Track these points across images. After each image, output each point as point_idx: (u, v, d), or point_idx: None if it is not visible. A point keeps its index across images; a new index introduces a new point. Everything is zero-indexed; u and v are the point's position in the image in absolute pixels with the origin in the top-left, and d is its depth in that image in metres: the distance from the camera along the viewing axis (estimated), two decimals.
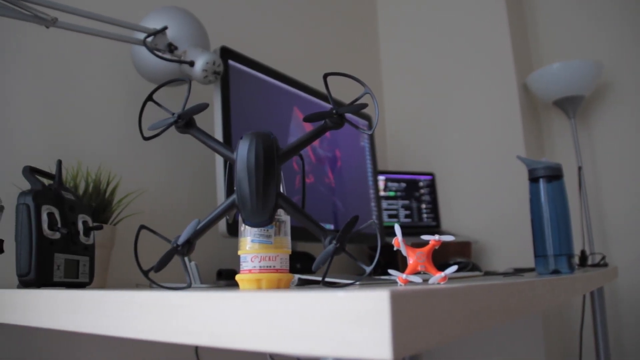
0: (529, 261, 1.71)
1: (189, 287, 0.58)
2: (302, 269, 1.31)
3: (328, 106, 1.47)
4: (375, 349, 0.31)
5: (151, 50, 1.01)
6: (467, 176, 2.05)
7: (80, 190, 0.99)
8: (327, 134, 1.37)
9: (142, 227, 0.58)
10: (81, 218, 0.84)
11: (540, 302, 0.64)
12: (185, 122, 0.62)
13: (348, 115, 0.53)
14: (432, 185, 1.98)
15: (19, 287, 0.76)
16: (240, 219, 0.60)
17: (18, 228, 0.76)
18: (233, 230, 1.05)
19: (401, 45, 2.36)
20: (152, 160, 1.26)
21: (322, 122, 0.60)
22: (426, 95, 2.24)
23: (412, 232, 1.84)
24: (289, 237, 0.63)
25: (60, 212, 0.80)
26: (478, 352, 1.73)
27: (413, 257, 0.59)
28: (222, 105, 1.10)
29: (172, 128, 0.63)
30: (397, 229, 0.59)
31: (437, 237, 0.59)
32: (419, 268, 0.59)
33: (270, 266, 0.59)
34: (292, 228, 0.64)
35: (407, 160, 2.23)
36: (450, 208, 2.07)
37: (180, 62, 1.04)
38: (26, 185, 0.80)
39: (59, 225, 0.78)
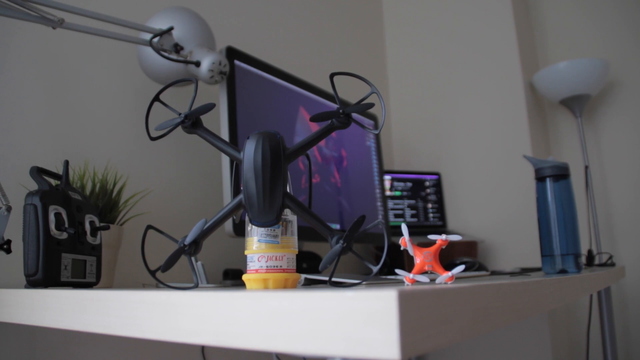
0: (535, 261, 1.71)
1: (196, 287, 0.58)
2: (309, 269, 1.31)
3: (334, 106, 1.47)
4: (383, 348, 0.31)
5: (157, 50, 1.01)
6: (473, 176, 2.04)
7: (87, 191, 0.99)
8: (333, 133, 1.37)
9: (149, 227, 0.58)
10: (88, 218, 0.85)
11: (547, 302, 0.64)
12: (192, 122, 0.62)
13: (354, 115, 0.53)
14: (438, 185, 1.97)
15: (26, 287, 0.76)
16: (247, 218, 0.60)
17: (25, 228, 0.76)
18: (239, 230, 1.05)
19: (407, 44, 2.36)
20: (159, 161, 1.26)
21: (329, 121, 0.60)
22: (432, 95, 2.23)
23: (418, 231, 1.84)
24: (295, 237, 0.63)
25: (68, 213, 0.80)
26: (484, 351, 1.73)
27: (420, 257, 0.59)
28: (228, 105, 1.10)
29: (179, 128, 0.63)
30: (404, 228, 0.59)
31: (444, 236, 0.59)
32: (426, 268, 0.59)
33: (277, 266, 0.59)
34: (298, 228, 0.64)
35: (413, 160, 2.23)
36: (457, 207, 2.06)
37: (187, 62, 1.04)
38: (33, 186, 0.80)
39: (66, 225, 0.79)
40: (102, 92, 1.18)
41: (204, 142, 1.28)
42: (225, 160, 1.09)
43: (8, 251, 0.81)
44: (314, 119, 0.57)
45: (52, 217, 0.77)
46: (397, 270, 0.60)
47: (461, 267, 0.57)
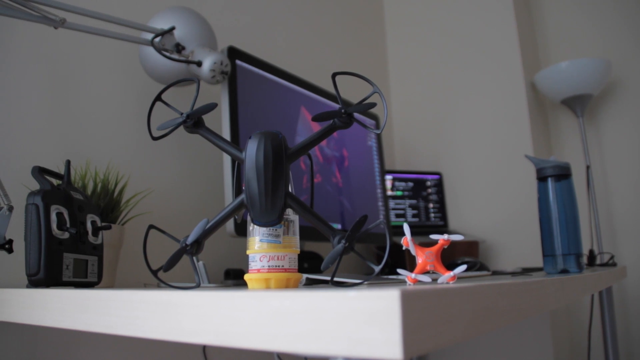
0: (536, 261, 1.71)
1: (197, 286, 0.58)
2: (310, 269, 1.31)
3: (335, 106, 1.47)
4: (385, 348, 0.31)
5: (159, 50, 1.01)
6: (474, 175, 2.04)
7: (89, 190, 0.99)
8: (335, 133, 1.37)
9: (151, 226, 0.58)
10: (90, 218, 0.85)
11: (549, 302, 0.64)
12: (194, 122, 0.62)
13: (356, 115, 0.52)
14: (439, 185, 1.97)
15: (28, 286, 0.76)
16: (248, 218, 0.60)
17: (27, 228, 0.76)
18: (241, 230, 1.05)
19: (408, 44, 2.35)
20: (161, 160, 1.26)
21: (331, 121, 0.60)
22: (433, 95, 2.23)
23: (419, 231, 1.84)
24: (297, 237, 0.63)
25: (69, 212, 0.80)
26: (486, 351, 1.73)
27: (422, 257, 0.59)
28: (230, 105, 1.10)
29: (181, 128, 0.63)
30: (406, 228, 0.59)
31: (446, 236, 0.59)
32: (428, 267, 0.59)
33: (278, 265, 0.59)
34: (300, 227, 0.64)
35: (415, 160, 2.23)
36: (458, 207, 2.06)
37: (188, 62, 1.04)
38: (35, 186, 0.80)
39: (68, 225, 0.79)
40: (104, 92, 1.18)
41: (205, 142, 1.28)
42: (227, 160, 1.09)
43: (10, 251, 0.81)
44: (316, 118, 0.57)
45: (53, 217, 0.77)
46: (399, 270, 0.60)
47: (463, 267, 0.57)
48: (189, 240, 0.57)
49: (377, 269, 0.54)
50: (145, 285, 1.06)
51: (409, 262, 1.58)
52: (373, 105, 0.58)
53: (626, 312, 1.91)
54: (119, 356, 1.07)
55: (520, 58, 1.98)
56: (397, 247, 1.63)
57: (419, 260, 0.59)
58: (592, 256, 1.45)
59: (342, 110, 0.58)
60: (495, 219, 1.96)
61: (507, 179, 1.95)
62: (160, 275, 1.05)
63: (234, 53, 1.15)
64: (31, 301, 0.65)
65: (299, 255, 0.63)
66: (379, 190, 1.57)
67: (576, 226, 0.98)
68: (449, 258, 1.32)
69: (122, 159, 1.17)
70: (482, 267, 1.16)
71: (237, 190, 0.69)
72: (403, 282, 0.69)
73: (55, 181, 0.85)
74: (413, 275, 0.58)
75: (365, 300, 0.33)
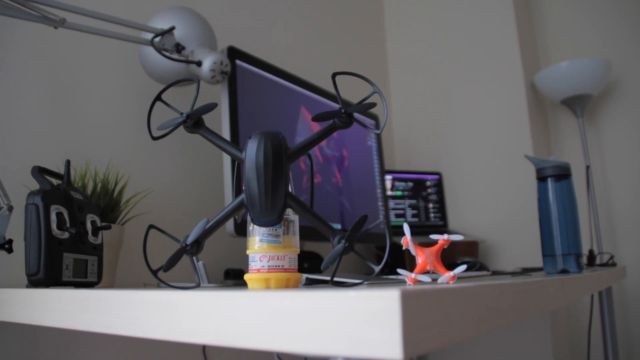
0: (536, 261, 1.71)
1: (197, 286, 0.58)
2: (310, 269, 1.31)
3: (335, 106, 1.47)
4: (385, 348, 0.31)
5: (159, 50, 1.01)
6: (474, 175, 2.04)
7: (89, 190, 0.99)
8: (335, 133, 1.37)
9: (151, 226, 0.58)
10: (89, 218, 0.85)
11: (549, 302, 0.64)
12: (194, 122, 0.62)
13: (356, 115, 0.52)
14: (439, 185, 1.97)
15: (28, 286, 0.76)
16: (248, 218, 0.60)
17: (27, 228, 0.76)
18: (240, 230, 1.05)
19: (408, 44, 2.35)
20: (161, 160, 1.26)
21: (331, 121, 0.60)
22: (433, 95, 2.23)
23: (419, 231, 1.84)
24: (297, 237, 0.63)
25: (69, 212, 0.80)
26: (485, 351, 1.73)
27: (422, 257, 0.59)
28: (230, 105, 1.10)
29: (181, 128, 0.63)
30: (406, 228, 0.59)
31: (446, 236, 0.59)
32: (428, 267, 0.59)
33: (278, 265, 0.59)
34: (299, 227, 0.64)
35: (415, 160, 2.23)
36: (458, 207, 2.06)
37: (188, 62, 1.04)
38: (35, 185, 0.80)
39: (68, 225, 0.79)
40: (104, 92, 1.18)
41: (205, 142, 1.28)
42: (227, 160, 1.09)
43: (10, 251, 0.81)
44: (316, 118, 0.57)
45: (53, 217, 0.77)
46: (399, 270, 0.60)
47: (463, 267, 0.56)
48: (189, 240, 0.57)
49: (377, 269, 0.54)
50: (145, 285, 1.06)
51: (409, 262, 1.58)
52: (373, 105, 0.58)
53: (626, 312, 1.91)
54: (119, 356, 1.07)
55: (520, 58, 1.98)
56: (397, 247, 1.63)
57: (419, 260, 0.59)
58: (591, 256, 1.45)
59: (342, 110, 0.58)
60: (495, 219, 1.96)
61: (507, 179, 1.95)
62: (160, 275, 1.05)
63: (234, 53, 1.15)
64: (31, 301, 0.65)
65: (299, 255, 0.63)
66: (378, 190, 1.57)
67: (576, 226, 0.98)
68: (449, 258, 1.32)
69: (122, 159, 1.17)
70: (482, 267, 1.16)
71: (237, 190, 0.69)
72: (403, 282, 0.69)
73: (55, 181, 0.85)
74: (413, 275, 0.58)
75: (365, 300, 0.33)
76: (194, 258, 0.58)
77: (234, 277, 1.15)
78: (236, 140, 1.09)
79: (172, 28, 1.03)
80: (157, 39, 1.02)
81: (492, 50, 2.06)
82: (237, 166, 0.69)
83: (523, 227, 1.85)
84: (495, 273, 1.16)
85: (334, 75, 0.59)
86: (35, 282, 0.75)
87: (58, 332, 0.97)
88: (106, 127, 1.17)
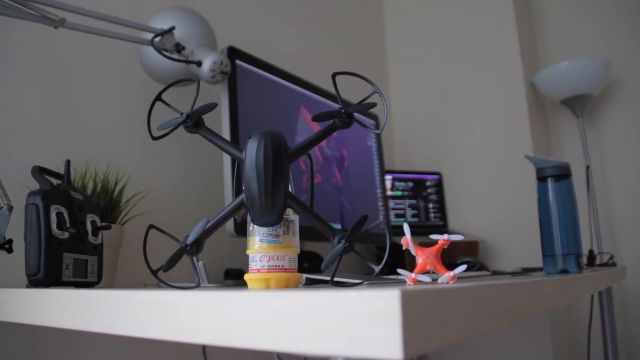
0: (536, 261, 1.70)
1: (197, 286, 0.58)
2: (310, 269, 1.31)
3: (335, 106, 1.47)
4: (385, 348, 0.31)
5: (159, 50, 1.01)
6: (474, 175, 2.04)
7: (89, 190, 0.99)
8: (335, 133, 1.37)
9: (151, 226, 0.58)
10: (89, 218, 0.85)
11: (549, 302, 0.64)
12: (194, 122, 0.62)
13: (356, 115, 0.52)
14: (439, 185, 1.97)
15: (28, 286, 0.76)
16: (248, 218, 0.60)
17: (27, 228, 0.76)
18: (240, 230, 1.05)
19: (408, 45, 2.35)
20: (161, 160, 1.26)
21: (331, 121, 0.60)
22: (433, 95, 2.23)
23: (419, 231, 1.84)
24: (297, 237, 0.63)
25: (69, 212, 0.80)
26: (485, 351, 1.73)
27: (422, 257, 0.59)
28: (230, 105, 1.10)
29: (181, 128, 0.63)
30: (407, 228, 0.59)
31: (446, 236, 0.59)
32: (428, 267, 0.59)
33: (278, 265, 0.59)
34: (299, 227, 0.64)
35: (415, 160, 2.23)
36: (458, 207, 2.06)
37: (188, 62, 1.04)
38: (35, 185, 0.80)
39: (68, 225, 0.79)
40: (104, 92, 1.18)
41: (205, 142, 1.28)
42: (227, 160, 1.09)
43: (10, 251, 0.81)
44: (316, 118, 0.57)
45: (53, 217, 0.77)
46: (399, 270, 0.60)
47: (463, 267, 0.56)
48: (189, 240, 0.57)
49: (377, 269, 0.54)
50: (145, 285, 1.06)
51: (409, 262, 1.58)
52: (373, 105, 0.58)
53: (626, 312, 1.91)
54: (119, 356, 1.07)
55: (520, 58, 1.98)
56: (397, 247, 1.63)
57: (419, 260, 0.59)
58: (591, 256, 1.45)
59: (342, 110, 0.58)
60: (495, 219, 1.96)
61: (507, 179, 1.95)
62: (160, 275, 1.05)
63: (233, 53, 1.15)
64: (31, 301, 0.65)
65: (299, 255, 0.63)
66: (378, 190, 1.57)
67: (576, 226, 0.98)
68: (449, 258, 1.32)
69: (122, 159, 1.17)
70: (482, 267, 1.16)
71: (237, 190, 0.69)
72: (403, 282, 0.69)
73: (55, 181, 0.85)
74: (413, 275, 0.58)
75: (365, 300, 0.33)
76: (194, 258, 0.58)
77: (234, 277, 1.15)
78: (236, 140, 1.09)
79: (172, 28, 1.03)
80: (157, 39, 1.02)
81: (492, 50, 2.06)
82: (237, 166, 0.69)
83: (523, 227, 1.85)
84: (495, 273, 1.16)
85: (334, 75, 0.59)
86: (35, 282, 0.75)
87: (58, 332, 0.97)
88: (106, 127, 1.17)
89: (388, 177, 1.87)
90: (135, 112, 1.22)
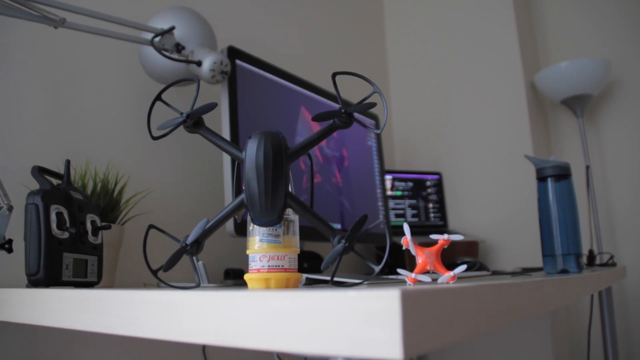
0: (536, 261, 1.70)
1: (197, 286, 0.58)
2: (310, 269, 1.31)
3: (335, 106, 1.47)
4: (385, 348, 0.31)
5: (159, 50, 1.01)
6: (474, 175, 2.04)
7: (89, 190, 0.99)
8: (335, 133, 1.37)
9: (151, 226, 0.58)
10: (89, 218, 0.85)
11: (549, 302, 0.64)
12: (194, 122, 0.62)
13: (356, 115, 0.52)
14: (439, 185, 1.97)
15: (28, 286, 0.76)
16: (248, 218, 0.60)
17: (27, 228, 0.76)
18: (240, 230, 1.05)
19: (408, 44, 2.35)
20: (161, 160, 1.26)
21: (331, 121, 0.60)
22: (433, 95, 2.23)
23: (419, 231, 1.84)
24: (297, 237, 0.63)
25: (69, 212, 0.80)
26: (485, 351, 1.73)
27: (422, 257, 0.59)
28: (230, 104, 1.10)
29: (181, 128, 0.63)
30: (407, 228, 0.59)
31: (446, 236, 0.59)
32: (428, 267, 0.59)
33: (278, 265, 0.59)
34: (299, 227, 0.64)
35: (415, 160, 2.23)
36: (458, 207, 2.06)
37: (188, 62, 1.04)
38: (35, 185, 0.80)
39: (68, 224, 0.79)
40: (104, 92, 1.18)
41: (205, 142, 1.28)
42: (227, 160, 1.09)
43: (9, 250, 0.81)
44: (316, 118, 0.57)
45: (53, 217, 0.77)
46: (399, 270, 0.60)
47: (463, 267, 0.56)
48: (189, 240, 0.57)
49: (377, 269, 0.54)
50: (145, 285, 1.06)
51: (409, 262, 1.58)
52: (373, 105, 0.58)
53: (626, 312, 1.91)
54: (119, 356, 1.07)
55: (520, 58, 1.98)
56: (397, 247, 1.63)
57: (419, 260, 0.59)
58: (591, 256, 1.45)
59: (342, 110, 0.58)
60: (495, 219, 1.96)
61: (507, 179, 1.95)
62: (160, 275, 1.05)
63: (233, 53, 1.15)
64: (31, 301, 0.65)
65: (299, 255, 0.63)
66: (378, 190, 1.57)
67: (576, 226, 0.98)
68: (449, 258, 1.32)
69: (122, 159, 1.17)
70: (482, 267, 1.16)
71: (237, 190, 0.69)
72: (403, 282, 0.69)
73: (55, 181, 0.85)
74: (413, 275, 0.58)
75: (365, 300, 0.33)
76: (194, 258, 0.58)
77: (234, 277, 1.15)
78: (236, 140, 1.09)
79: (172, 28, 1.03)
80: (157, 39, 1.02)
81: (492, 50, 2.06)
82: (237, 166, 0.69)
83: (523, 227, 1.85)
84: (495, 273, 1.16)
85: (334, 75, 0.59)
86: (35, 282, 0.75)
87: (58, 332, 0.97)
88: (106, 127, 1.17)
89: (388, 177, 1.87)
90: (135, 112, 1.22)
